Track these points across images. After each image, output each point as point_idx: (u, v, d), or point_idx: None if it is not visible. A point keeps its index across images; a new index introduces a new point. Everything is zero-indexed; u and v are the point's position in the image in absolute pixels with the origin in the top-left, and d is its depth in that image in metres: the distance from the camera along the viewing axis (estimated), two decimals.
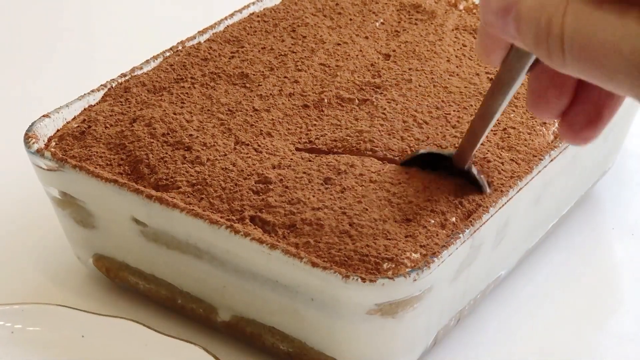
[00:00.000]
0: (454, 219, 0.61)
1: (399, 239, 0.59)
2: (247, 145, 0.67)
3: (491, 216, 0.61)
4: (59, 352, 0.64)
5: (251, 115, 0.70)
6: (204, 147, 0.66)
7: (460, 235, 0.59)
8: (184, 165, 0.65)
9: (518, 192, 0.63)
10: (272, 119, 0.69)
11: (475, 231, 0.60)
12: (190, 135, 0.67)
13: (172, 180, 0.64)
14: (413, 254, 0.58)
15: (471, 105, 0.71)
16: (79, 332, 0.65)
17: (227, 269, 0.62)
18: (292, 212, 0.61)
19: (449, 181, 0.63)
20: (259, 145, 0.67)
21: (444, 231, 0.60)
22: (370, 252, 0.58)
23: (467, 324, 0.68)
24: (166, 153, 0.66)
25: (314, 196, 0.62)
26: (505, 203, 0.62)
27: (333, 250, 0.58)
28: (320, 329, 0.60)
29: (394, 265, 0.58)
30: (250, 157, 0.66)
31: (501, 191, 0.63)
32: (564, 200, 0.75)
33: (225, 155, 0.66)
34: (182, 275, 0.65)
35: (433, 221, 0.61)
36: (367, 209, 0.61)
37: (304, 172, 0.64)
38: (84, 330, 0.65)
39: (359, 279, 0.56)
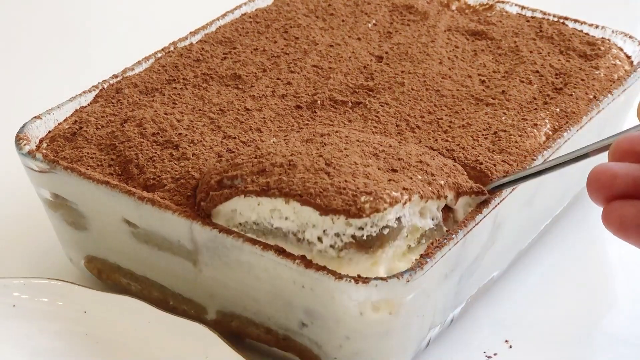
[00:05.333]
0: (442, 182, 0.61)
1: (381, 180, 0.58)
2: (235, 138, 0.66)
3: (484, 217, 0.61)
4: (60, 327, 0.63)
5: (242, 114, 0.69)
6: (191, 144, 0.66)
7: (454, 236, 0.59)
8: (170, 163, 0.64)
9: (511, 192, 0.63)
10: (264, 117, 0.69)
11: (468, 232, 0.60)
12: (180, 134, 0.67)
13: (158, 179, 0.63)
14: (393, 192, 0.57)
15: (463, 109, 0.71)
16: (81, 308, 0.64)
17: (218, 269, 0.62)
18: (261, 161, 0.60)
19: (445, 160, 0.63)
20: (246, 139, 0.66)
21: (430, 188, 0.60)
22: (349, 186, 0.57)
23: (461, 324, 0.68)
24: (155, 152, 0.65)
25: (287, 149, 0.61)
26: (499, 204, 0.62)
27: (308, 183, 0.57)
28: (313, 329, 0.60)
29: (372, 199, 0.57)
30: (237, 148, 0.65)
31: (494, 192, 0.63)
32: (557, 200, 0.75)
33: (212, 148, 0.65)
34: (174, 277, 0.65)
35: (420, 177, 0.60)
36: (347, 156, 0.60)
37: (284, 139, 0.63)
38: (86, 306, 0.64)
39: (352, 280, 0.56)
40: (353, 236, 0.57)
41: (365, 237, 0.57)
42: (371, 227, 0.57)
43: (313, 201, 0.56)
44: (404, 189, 0.58)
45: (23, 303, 0.64)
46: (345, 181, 0.57)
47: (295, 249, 0.58)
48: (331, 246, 0.57)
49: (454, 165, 0.63)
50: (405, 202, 0.58)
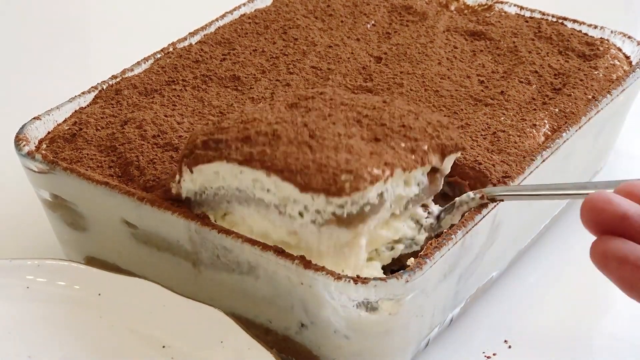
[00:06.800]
0: (425, 147, 0.60)
1: (363, 155, 0.57)
2: None
3: (483, 217, 0.61)
4: (74, 309, 0.63)
5: None
6: None
7: (453, 236, 0.59)
8: (170, 165, 0.65)
9: None
10: None
11: (467, 232, 0.60)
12: (180, 136, 0.67)
13: (157, 181, 0.63)
14: (375, 170, 0.57)
15: (462, 110, 0.71)
16: (95, 290, 0.63)
17: (217, 270, 0.62)
18: (247, 128, 0.59)
19: (429, 117, 0.62)
20: None
21: (413, 156, 0.59)
22: (330, 163, 0.57)
23: (460, 324, 0.68)
24: (156, 155, 0.66)
25: (271, 115, 0.60)
26: (498, 204, 0.62)
27: (290, 159, 0.57)
28: (312, 330, 0.60)
29: (352, 178, 0.56)
30: None
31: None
32: (556, 201, 0.75)
33: None
34: (173, 277, 0.65)
35: (404, 145, 0.59)
36: (332, 124, 0.59)
37: (269, 104, 0.63)
38: (100, 288, 0.63)
39: (351, 280, 0.56)
40: (333, 213, 0.57)
41: (345, 215, 0.57)
42: (352, 205, 0.56)
43: (293, 178, 0.56)
44: (385, 164, 0.57)
45: (36, 285, 0.64)
46: (327, 157, 0.57)
47: (278, 220, 0.58)
48: (312, 222, 0.57)
49: (438, 122, 0.62)
50: (387, 179, 0.57)
